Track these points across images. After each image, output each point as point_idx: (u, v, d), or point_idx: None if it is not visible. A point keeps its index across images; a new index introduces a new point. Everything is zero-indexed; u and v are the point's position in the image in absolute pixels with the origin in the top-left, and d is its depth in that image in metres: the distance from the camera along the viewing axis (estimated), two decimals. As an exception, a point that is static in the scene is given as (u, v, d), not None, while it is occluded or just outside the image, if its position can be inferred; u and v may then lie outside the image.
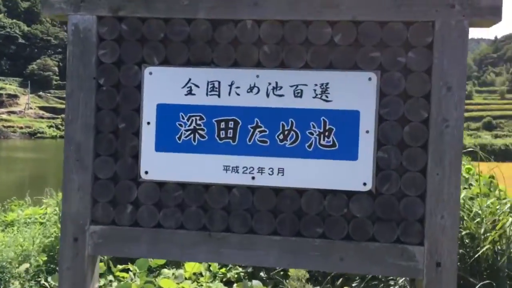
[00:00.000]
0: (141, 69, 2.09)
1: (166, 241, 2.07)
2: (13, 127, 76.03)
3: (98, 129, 2.12)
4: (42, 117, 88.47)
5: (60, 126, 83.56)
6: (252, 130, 2.06)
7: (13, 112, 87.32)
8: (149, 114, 2.08)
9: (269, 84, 2.04)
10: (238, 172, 2.04)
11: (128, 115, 2.10)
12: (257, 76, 2.05)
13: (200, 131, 2.07)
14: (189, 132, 2.07)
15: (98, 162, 2.11)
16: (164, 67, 2.07)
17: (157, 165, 2.07)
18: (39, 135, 76.37)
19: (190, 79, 2.07)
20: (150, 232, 2.08)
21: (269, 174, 2.03)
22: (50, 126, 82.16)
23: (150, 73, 2.08)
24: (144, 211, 2.09)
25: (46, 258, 3.59)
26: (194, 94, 2.07)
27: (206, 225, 2.07)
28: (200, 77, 2.06)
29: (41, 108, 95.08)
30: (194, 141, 2.07)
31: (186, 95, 2.07)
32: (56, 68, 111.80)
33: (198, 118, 2.07)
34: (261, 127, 2.05)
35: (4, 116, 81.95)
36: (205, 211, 2.07)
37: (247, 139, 2.05)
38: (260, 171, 2.04)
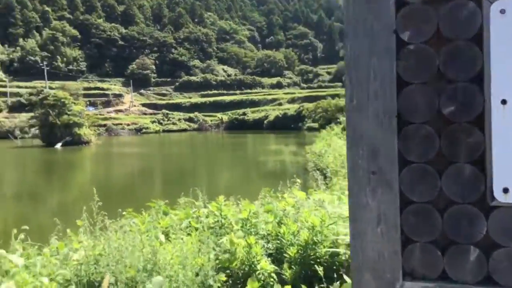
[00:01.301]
0: (482, 6, 1.07)
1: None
2: (121, 124, 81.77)
3: (405, 117, 1.14)
4: (145, 114, 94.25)
5: (161, 121, 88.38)
6: None
7: (120, 111, 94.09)
8: (504, 86, 1.07)
9: None
10: None
11: (460, 90, 1.10)
12: None
13: None
14: None
15: (407, 174, 1.16)
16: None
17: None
18: (144, 130, 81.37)
19: None
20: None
21: None
22: (153, 122, 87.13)
23: (502, 11, 1.04)
24: (503, 259, 1.11)
25: (225, 279, 3.03)
26: None
27: None
28: None
29: (143, 105, 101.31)
30: None
31: None
32: (153, 66, 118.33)
33: None
34: None
35: (113, 115, 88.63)
36: None
37: None
38: None
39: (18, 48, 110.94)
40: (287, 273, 2.84)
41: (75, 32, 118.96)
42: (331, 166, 15.15)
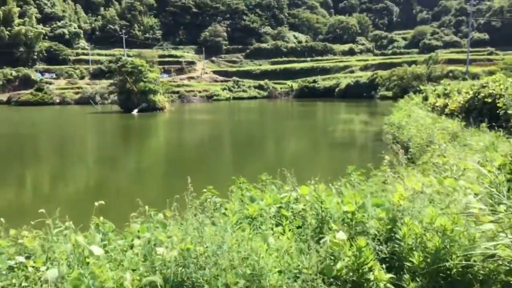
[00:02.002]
0: None
1: None
2: (193, 91, 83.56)
3: None
4: (216, 81, 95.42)
5: (232, 88, 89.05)
6: None
7: (192, 78, 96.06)
8: None
9: None
10: None
11: None
12: None
13: None
14: None
15: None
16: None
17: None
18: (215, 97, 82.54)
19: None
20: None
21: None
22: (223, 89, 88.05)
23: None
24: None
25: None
26: None
27: None
28: None
29: (215, 72, 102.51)
30: None
31: None
32: (225, 34, 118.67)
33: None
34: None
35: (185, 82, 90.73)
36: None
37: None
38: None
39: (99, 17, 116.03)
40: (410, 286, 2.30)
41: (151, 0, 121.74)
42: (415, 140, 13.98)
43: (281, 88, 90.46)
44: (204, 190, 4.40)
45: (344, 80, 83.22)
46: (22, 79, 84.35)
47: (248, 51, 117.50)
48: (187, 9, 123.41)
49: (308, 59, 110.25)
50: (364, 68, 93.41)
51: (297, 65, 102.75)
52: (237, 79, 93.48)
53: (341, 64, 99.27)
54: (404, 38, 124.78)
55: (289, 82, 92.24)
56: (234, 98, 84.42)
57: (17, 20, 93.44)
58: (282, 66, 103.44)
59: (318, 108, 57.95)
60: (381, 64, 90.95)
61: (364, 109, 52.22)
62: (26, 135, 31.16)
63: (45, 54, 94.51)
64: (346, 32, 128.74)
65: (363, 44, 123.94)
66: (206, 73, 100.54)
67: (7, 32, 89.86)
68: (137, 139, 29.93)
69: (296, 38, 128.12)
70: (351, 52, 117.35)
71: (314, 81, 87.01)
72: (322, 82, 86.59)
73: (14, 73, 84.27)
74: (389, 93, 70.02)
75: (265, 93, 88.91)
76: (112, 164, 19.65)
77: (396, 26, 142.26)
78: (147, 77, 48.17)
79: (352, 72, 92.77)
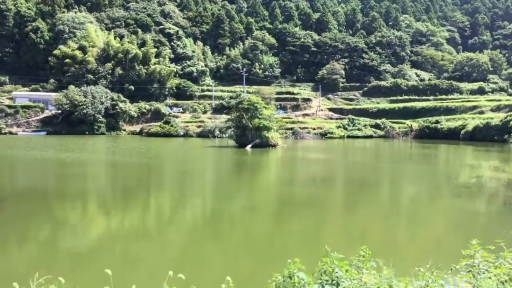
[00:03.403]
0: None
1: None
2: (307, 128, 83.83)
3: None
4: (331, 118, 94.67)
5: (346, 126, 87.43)
6: None
7: (307, 115, 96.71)
8: None
9: None
10: None
11: None
12: None
13: None
14: None
15: None
16: None
17: None
18: (328, 135, 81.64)
19: None
20: None
21: None
22: (338, 127, 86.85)
23: None
24: None
25: None
26: None
27: None
28: None
29: (330, 109, 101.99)
30: None
31: None
32: (342, 71, 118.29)
33: None
34: None
35: (300, 119, 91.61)
36: None
37: None
38: None
39: (224, 56, 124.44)
40: None
41: (273, 40, 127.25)
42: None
43: (399, 128, 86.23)
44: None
45: (472, 121, 76.37)
46: (153, 112, 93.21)
47: (365, 89, 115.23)
48: (306, 48, 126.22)
49: (431, 97, 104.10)
50: (496, 109, 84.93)
51: (418, 104, 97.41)
52: (353, 117, 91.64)
53: (469, 104, 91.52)
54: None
55: (408, 122, 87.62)
56: (349, 137, 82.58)
57: (153, 60, 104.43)
58: (402, 105, 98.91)
59: (441, 150, 53.64)
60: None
61: (495, 155, 46.92)
62: (151, 164, 33.76)
63: (175, 90, 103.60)
64: (475, 70, 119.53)
65: (495, 83, 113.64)
66: (322, 110, 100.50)
67: (145, 70, 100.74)
68: (249, 177, 30.45)
69: (418, 76, 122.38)
70: (480, 91, 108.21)
71: (437, 122, 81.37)
72: (446, 122, 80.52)
73: (147, 107, 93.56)
74: (527, 138, 62.48)
75: (381, 133, 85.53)
76: (225, 199, 20.02)
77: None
78: (262, 113, 49.57)
79: (481, 113, 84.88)
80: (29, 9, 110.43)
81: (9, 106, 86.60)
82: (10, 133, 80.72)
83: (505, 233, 14.20)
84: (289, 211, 17.42)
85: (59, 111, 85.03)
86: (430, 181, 26.66)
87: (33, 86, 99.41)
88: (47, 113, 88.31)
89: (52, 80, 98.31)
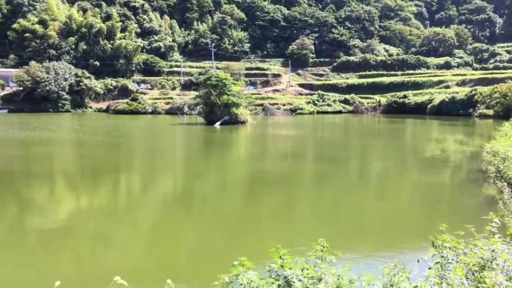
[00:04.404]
0: None
1: None
2: (277, 104, 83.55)
3: None
4: (301, 94, 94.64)
5: (316, 102, 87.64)
6: None
7: (277, 90, 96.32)
8: None
9: None
10: None
11: None
12: None
13: None
14: None
15: None
16: None
17: None
18: (298, 111, 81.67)
19: None
20: None
21: None
22: (308, 102, 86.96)
23: None
24: None
25: None
26: None
27: None
28: None
29: (300, 85, 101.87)
30: None
31: None
32: (312, 47, 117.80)
33: None
34: None
35: (270, 95, 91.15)
36: None
37: None
38: None
39: (192, 31, 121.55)
40: None
41: (242, 14, 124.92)
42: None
43: (368, 103, 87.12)
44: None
45: (438, 96, 77.90)
46: (120, 89, 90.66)
47: (335, 64, 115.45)
48: (275, 22, 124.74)
49: (399, 72, 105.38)
50: (462, 84, 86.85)
51: (387, 79, 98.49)
52: (322, 92, 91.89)
53: (435, 79, 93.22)
54: (508, 52, 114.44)
55: (377, 97, 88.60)
56: (318, 112, 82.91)
57: (119, 35, 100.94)
58: (370, 80, 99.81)
59: (408, 125, 54.52)
60: (481, 79, 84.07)
61: (460, 129, 48.04)
62: (119, 143, 32.77)
63: (142, 66, 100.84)
64: (442, 45, 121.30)
65: (461, 58, 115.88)
66: (292, 86, 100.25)
67: (110, 45, 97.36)
68: (217, 156, 30.03)
69: (386, 51, 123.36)
70: (447, 66, 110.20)
71: (405, 96, 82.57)
72: (413, 97, 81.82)
73: (114, 83, 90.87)
74: (490, 112, 64.20)
75: (350, 108, 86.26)
76: (197, 178, 19.58)
77: (500, 38, 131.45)
78: (230, 90, 48.79)
79: (447, 87, 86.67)
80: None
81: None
82: (-32, 111, 77.00)
83: (469, 203, 14.43)
84: (259, 188, 17.23)
85: (21, 88, 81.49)
86: (397, 156, 26.95)
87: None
88: (8, 90, 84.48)
89: (12, 56, 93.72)
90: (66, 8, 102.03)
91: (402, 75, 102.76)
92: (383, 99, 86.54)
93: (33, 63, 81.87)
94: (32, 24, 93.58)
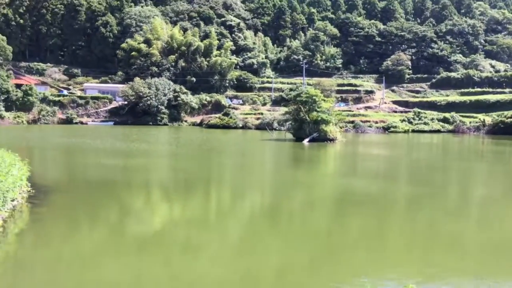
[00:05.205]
0: None
1: None
2: (369, 121, 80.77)
3: None
4: (395, 111, 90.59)
5: (412, 120, 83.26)
6: None
7: (369, 107, 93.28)
8: None
9: None
10: None
11: None
12: None
13: None
14: None
15: None
16: None
17: None
18: (392, 129, 78.14)
19: None
20: None
21: None
22: (402, 120, 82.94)
23: None
24: None
25: None
26: None
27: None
28: None
29: (394, 102, 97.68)
30: None
31: None
32: (409, 62, 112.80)
33: None
34: None
35: (362, 112, 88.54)
36: None
37: None
38: None
39: (285, 48, 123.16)
40: None
41: (335, 30, 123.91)
42: None
43: (470, 122, 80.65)
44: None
45: (554, 116, 69.63)
46: (214, 104, 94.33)
47: (434, 80, 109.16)
48: (370, 38, 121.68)
49: (507, 90, 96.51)
50: None
51: (492, 97, 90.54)
52: (419, 110, 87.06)
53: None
54: None
55: (480, 116, 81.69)
56: (414, 131, 78.56)
57: (215, 52, 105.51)
58: (473, 98, 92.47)
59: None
60: None
61: None
62: (211, 157, 33.87)
63: (235, 82, 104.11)
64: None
65: None
66: (385, 102, 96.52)
67: (206, 62, 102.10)
68: (305, 173, 29.60)
69: (493, 67, 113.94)
70: None
71: (513, 116, 74.99)
72: (524, 117, 73.92)
73: (208, 99, 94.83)
74: None
75: (450, 127, 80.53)
76: (283, 195, 19.40)
77: None
78: (320, 106, 48.13)
79: None
80: (99, 4, 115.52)
81: (80, 97, 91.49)
82: (81, 123, 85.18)
83: None
84: (348, 209, 16.52)
85: (125, 102, 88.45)
86: (505, 182, 24.29)
87: (102, 78, 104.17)
88: (114, 104, 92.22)
89: (120, 73, 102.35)
90: (169, 28, 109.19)
91: (510, 92, 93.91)
92: (488, 118, 79.52)
93: (137, 79, 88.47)
94: (138, 43, 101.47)
